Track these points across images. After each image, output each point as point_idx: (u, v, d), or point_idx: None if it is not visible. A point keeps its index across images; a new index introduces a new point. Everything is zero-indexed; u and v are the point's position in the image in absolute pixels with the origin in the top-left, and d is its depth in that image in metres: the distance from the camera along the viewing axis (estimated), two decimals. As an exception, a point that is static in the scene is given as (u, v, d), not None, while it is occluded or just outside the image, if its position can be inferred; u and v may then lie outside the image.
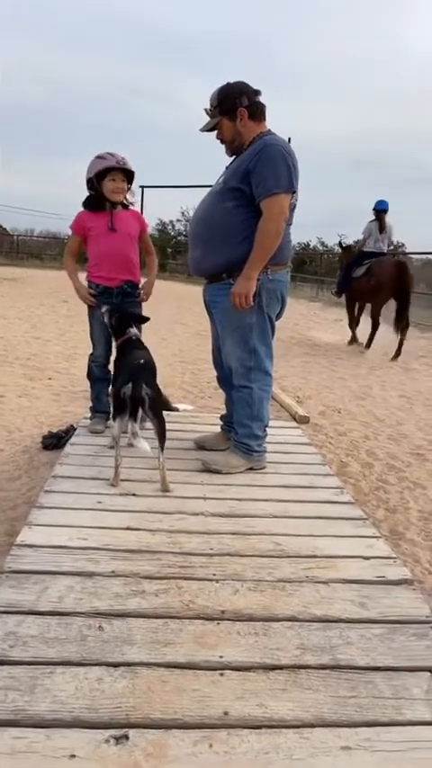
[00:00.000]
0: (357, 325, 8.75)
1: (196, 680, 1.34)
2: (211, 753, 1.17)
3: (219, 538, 1.97)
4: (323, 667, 1.40)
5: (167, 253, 37.69)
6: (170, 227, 40.71)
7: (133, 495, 2.29)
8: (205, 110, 2.57)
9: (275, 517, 2.18)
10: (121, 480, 2.38)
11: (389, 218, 8.26)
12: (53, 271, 25.56)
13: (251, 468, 2.67)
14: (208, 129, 2.59)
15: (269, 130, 2.55)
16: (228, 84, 2.54)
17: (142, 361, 2.50)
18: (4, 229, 42.55)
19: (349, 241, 9.38)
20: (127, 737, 1.20)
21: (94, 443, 2.92)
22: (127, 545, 1.87)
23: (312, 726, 1.25)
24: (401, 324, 7.80)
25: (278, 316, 2.67)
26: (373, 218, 8.29)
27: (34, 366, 6.06)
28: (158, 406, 2.45)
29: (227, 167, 2.62)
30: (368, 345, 8.16)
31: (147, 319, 2.95)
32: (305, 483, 2.55)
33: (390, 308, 7.96)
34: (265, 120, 2.57)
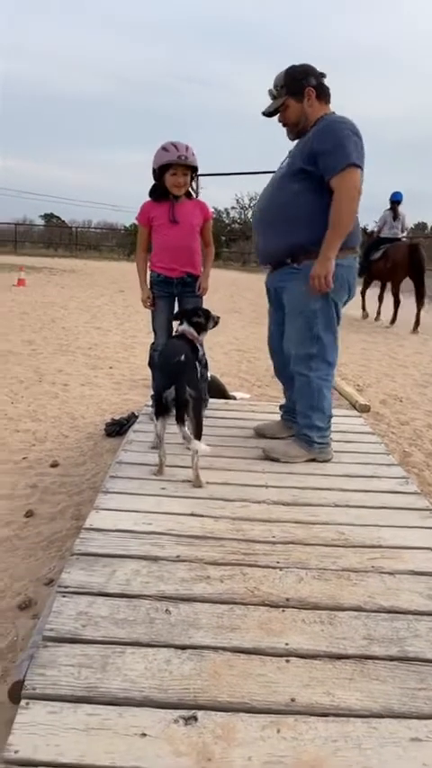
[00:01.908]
0: (381, 302, 9.99)
1: (262, 665, 1.35)
2: (279, 738, 1.18)
3: (281, 526, 1.97)
4: (391, 659, 1.38)
5: (222, 241, 37.64)
6: (224, 214, 40.62)
7: (196, 481, 2.31)
8: (270, 91, 2.51)
9: (338, 506, 2.16)
10: (183, 467, 2.41)
11: (402, 208, 9.66)
12: (111, 262, 25.98)
13: (313, 460, 2.61)
14: (272, 110, 2.53)
15: (333, 112, 2.50)
16: (295, 65, 2.51)
17: (181, 358, 2.38)
18: (63, 221, 43.59)
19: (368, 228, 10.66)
20: (196, 718, 1.22)
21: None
22: (191, 531, 1.90)
23: (381, 716, 1.24)
24: (419, 298, 9.02)
25: (345, 303, 2.59)
26: (389, 207, 9.71)
27: (95, 355, 6.21)
28: (199, 404, 2.39)
29: (290, 152, 2.57)
30: (393, 321, 9.33)
31: (200, 314, 2.84)
32: (368, 472, 2.51)
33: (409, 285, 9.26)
34: (329, 102, 2.52)
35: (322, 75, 2.51)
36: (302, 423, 2.60)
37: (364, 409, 4.33)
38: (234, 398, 4.14)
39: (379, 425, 4.15)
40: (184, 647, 1.40)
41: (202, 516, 2.00)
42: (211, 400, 3.73)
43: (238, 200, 40.02)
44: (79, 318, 8.74)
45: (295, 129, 2.53)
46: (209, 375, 4.68)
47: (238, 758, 1.13)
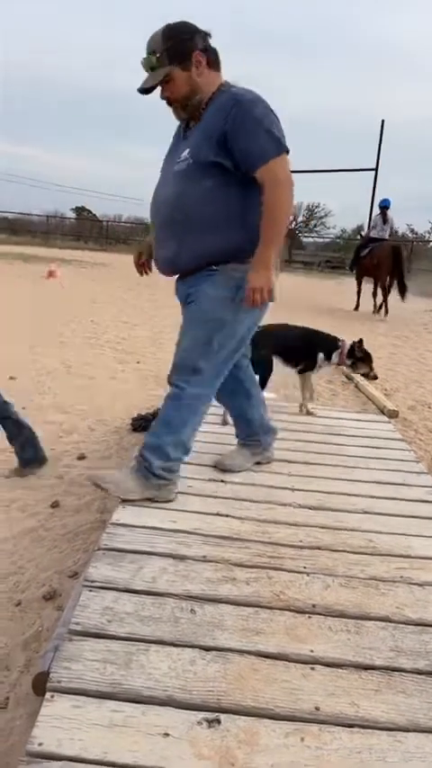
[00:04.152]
0: (375, 297, 10.84)
1: (287, 671, 1.34)
2: (302, 746, 1.17)
3: (308, 530, 1.95)
4: (419, 672, 1.36)
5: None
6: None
7: (222, 481, 2.30)
8: (144, 60, 1.93)
9: (366, 513, 2.13)
10: (210, 467, 2.41)
11: (390, 213, 11.02)
12: (140, 256, 25.95)
13: (150, 499, 2.07)
14: (152, 85, 1.94)
15: (227, 82, 2.00)
16: (174, 24, 1.94)
17: None
18: (94, 215, 43.93)
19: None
20: (219, 721, 1.21)
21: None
22: (217, 531, 1.89)
23: (407, 730, 1.22)
24: (402, 292, 10.43)
25: (256, 319, 2.15)
26: (379, 212, 11.19)
27: (123, 349, 6.24)
28: None
29: (184, 136, 2.06)
30: (377, 310, 10.59)
31: None
32: (398, 480, 2.48)
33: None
34: (221, 69, 2.00)
35: (207, 35, 1.96)
36: (150, 442, 2.08)
37: (393, 414, 4.27)
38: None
39: (407, 432, 4.08)
40: (208, 649, 1.39)
41: (227, 516, 2.00)
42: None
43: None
44: (107, 312, 8.80)
45: (186, 107, 1.99)
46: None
47: (262, 764, 1.13)
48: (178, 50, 1.90)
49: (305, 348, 3.35)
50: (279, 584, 1.63)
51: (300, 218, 39.75)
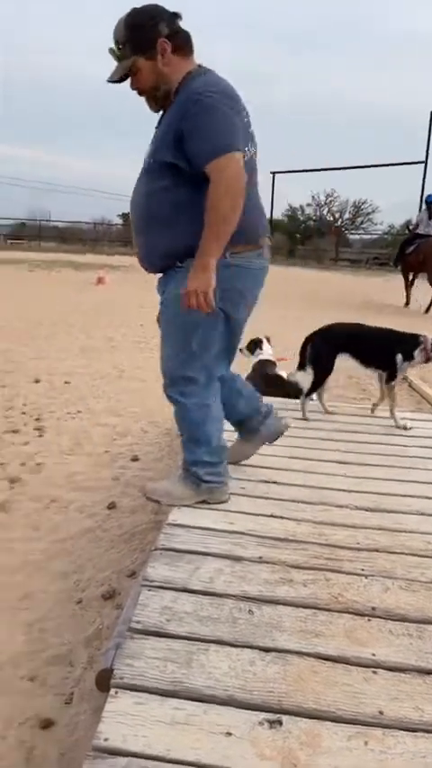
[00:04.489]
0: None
1: (348, 675, 1.33)
2: (366, 749, 1.16)
3: (365, 532, 1.93)
4: None
5: (296, 238, 37.28)
6: (299, 211, 40.22)
7: (274, 482, 2.30)
8: (110, 50, 1.86)
9: (424, 515, 2.09)
10: (263, 468, 2.41)
11: None
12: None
13: (204, 501, 2.08)
14: (119, 77, 1.88)
15: (199, 66, 1.88)
16: (136, 10, 1.84)
17: None
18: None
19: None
20: (280, 723, 1.21)
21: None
22: (273, 532, 1.89)
23: (473, 736, 1.19)
24: None
25: (243, 311, 2.02)
26: (425, 207, 11.12)
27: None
28: None
29: (156, 128, 1.97)
30: (427, 310, 10.36)
31: None
32: (455, 481, 2.41)
33: None
34: (192, 53, 1.89)
35: (175, 17, 1.85)
36: (188, 458, 2.10)
37: (448, 414, 4.15)
38: (311, 400, 4.09)
39: (463, 431, 3.97)
40: (267, 650, 1.39)
41: (282, 518, 1.99)
42: (288, 401, 3.70)
43: (313, 196, 39.58)
44: (155, 316, 8.90)
45: (156, 98, 1.90)
46: (284, 375, 4.65)
47: (324, 766, 1.12)
48: (141, 40, 1.82)
49: (381, 348, 3.16)
50: (337, 587, 1.62)
51: (346, 216, 39.23)
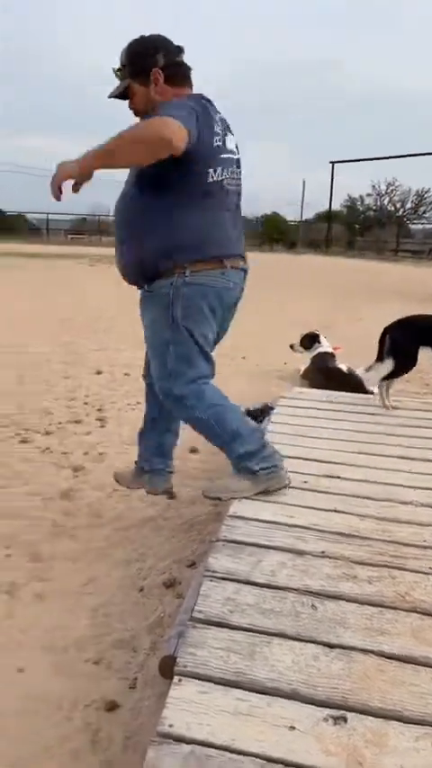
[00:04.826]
0: None
1: (416, 675, 1.30)
2: (434, 751, 1.12)
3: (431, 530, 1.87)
4: None
5: (355, 229, 36.55)
6: (359, 202, 39.40)
7: (338, 477, 2.27)
8: (113, 70, 2.01)
9: None
10: (325, 462, 2.38)
11: None
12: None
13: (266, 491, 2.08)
14: (116, 94, 2.02)
15: (193, 94, 1.99)
16: (141, 38, 1.99)
17: None
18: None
19: None
20: (345, 719, 1.20)
21: (295, 423, 2.95)
22: (335, 527, 1.86)
23: None
24: None
25: (210, 331, 2.04)
26: None
27: (229, 345, 6.29)
28: None
29: None
30: None
31: None
32: None
33: None
34: (189, 85, 2.02)
35: (178, 51, 1.99)
36: (231, 457, 2.12)
37: None
38: (372, 393, 4.01)
39: None
40: (331, 646, 1.38)
41: (345, 513, 1.96)
42: (350, 395, 3.65)
43: (374, 186, 38.68)
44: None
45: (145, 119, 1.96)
46: (344, 368, 4.58)
47: (390, 765, 1.10)
48: (138, 67, 1.96)
49: None
50: (404, 585, 1.58)
51: (408, 205, 38.12)
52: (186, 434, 3.57)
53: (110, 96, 2.04)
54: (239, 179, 2.04)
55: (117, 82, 2.02)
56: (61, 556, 2.20)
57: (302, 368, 5.03)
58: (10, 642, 1.72)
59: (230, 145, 1.98)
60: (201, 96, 1.96)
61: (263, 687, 1.27)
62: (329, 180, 31.78)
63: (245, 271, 2.09)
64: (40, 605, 1.91)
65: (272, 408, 3.71)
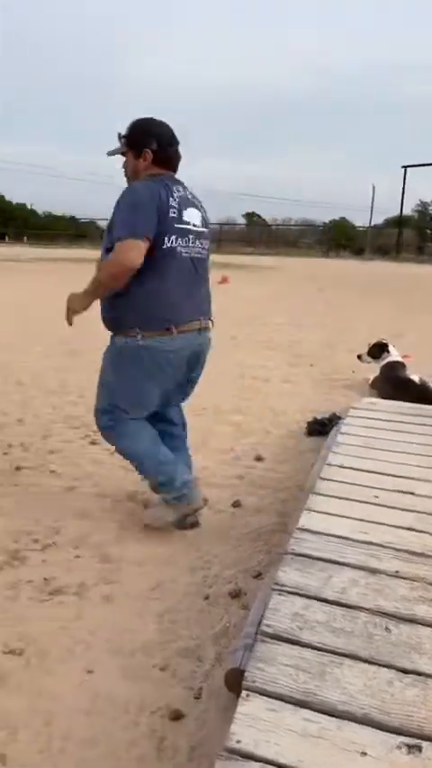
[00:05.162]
0: None
1: None
2: None
3: None
4: None
5: (427, 234, 35.47)
6: (431, 206, 38.25)
7: (411, 493, 2.19)
8: (118, 134, 2.39)
9: None
10: (398, 477, 2.31)
11: None
12: (309, 258, 26.02)
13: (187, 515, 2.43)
14: (113, 154, 2.42)
15: (167, 175, 2.33)
16: (146, 120, 2.37)
17: None
18: (263, 220, 44.72)
19: None
20: (420, 749, 1.15)
21: (366, 435, 2.88)
22: (410, 546, 1.80)
23: None
24: None
25: (154, 390, 2.36)
26: None
27: (295, 352, 6.25)
28: None
29: None
30: None
31: None
32: None
33: None
34: (172, 169, 2.37)
35: (170, 144, 2.34)
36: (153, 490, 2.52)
37: None
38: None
39: None
40: (406, 671, 1.32)
41: (421, 532, 1.89)
42: (423, 407, 3.53)
43: (448, 191, 37.39)
44: (279, 315, 8.89)
45: (129, 183, 2.37)
46: (416, 379, 4.44)
47: (469, 803, 1.04)
48: (134, 141, 2.33)
49: None
50: None
51: None
52: (252, 440, 3.56)
53: (108, 154, 2.45)
54: (202, 247, 2.37)
55: (117, 144, 2.40)
56: (129, 558, 2.23)
57: (371, 377, 4.91)
58: (79, 643, 1.75)
59: (189, 217, 2.30)
60: (168, 178, 2.32)
61: (333, 709, 1.23)
62: (401, 185, 31.05)
63: (201, 330, 2.40)
64: (108, 607, 1.93)
65: (340, 418, 3.64)
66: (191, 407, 4.15)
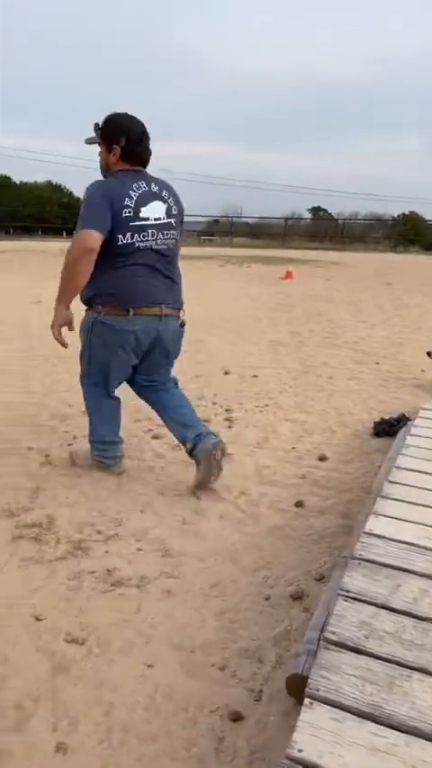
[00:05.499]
0: None
1: None
2: None
3: None
4: None
5: None
6: None
7: None
8: (95, 124, 2.57)
9: None
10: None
11: None
12: (376, 253, 25.42)
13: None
14: (90, 143, 2.61)
15: (127, 171, 2.53)
16: (119, 115, 2.54)
17: None
18: (329, 214, 43.97)
19: None
20: None
21: (437, 438, 2.76)
22: None
23: None
24: None
25: (117, 365, 2.64)
26: None
27: (361, 350, 6.10)
28: None
29: None
30: None
31: None
32: None
33: None
34: (140, 164, 2.56)
35: (140, 141, 2.52)
36: (90, 441, 2.93)
37: None
38: None
39: None
40: None
41: None
42: None
43: None
44: (344, 311, 8.71)
45: (101, 174, 2.61)
46: None
47: None
48: (106, 134, 2.54)
49: None
50: None
51: None
52: (316, 439, 3.49)
53: (86, 142, 2.62)
54: (165, 238, 2.54)
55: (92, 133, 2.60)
56: (190, 554, 2.22)
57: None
58: (140, 636, 1.76)
59: (148, 212, 2.49)
60: (132, 174, 2.52)
61: (402, 724, 1.18)
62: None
63: (161, 317, 2.57)
64: (168, 602, 1.93)
65: (409, 419, 3.52)
66: (252, 403, 4.13)
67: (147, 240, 2.49)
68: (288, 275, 13.53)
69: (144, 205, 2.47)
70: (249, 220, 40.49)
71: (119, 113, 2.55)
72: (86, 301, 2.60)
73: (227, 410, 4.02)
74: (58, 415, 3.80)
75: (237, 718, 1.48)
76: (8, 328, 6.62)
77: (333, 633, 1.41)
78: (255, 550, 2.27)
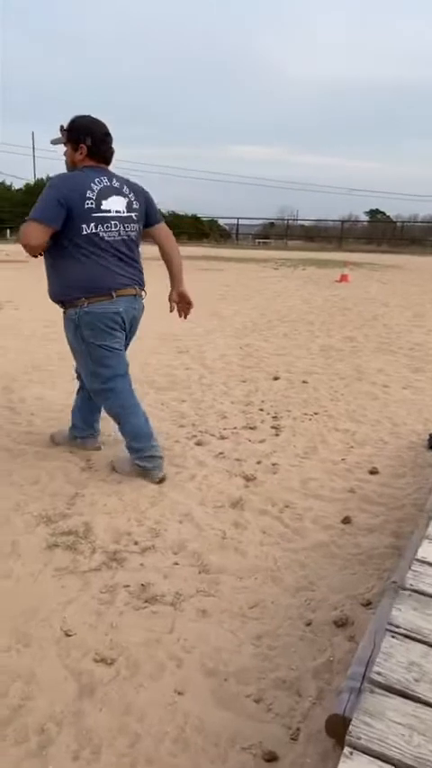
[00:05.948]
0: None
1: None
2: None
3: None
4: None
5: None
6: None
7: None
8: (60, 126, 2.67)
9: None
10: None
11: None
12: (436, 256, 24.60)
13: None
14: (56, 143, 2.72)
15: (92, 168, 2.65)
16: (83, 117, 2.66)
17: None
18: (388, 216, 43.01)
19: None
20: None
21: None
22: None
23: None
24: None
25: (111, 342, 2.70)
26: None
27: (418, 357, 5.84)
28: None
29: None
30: None
31: None
32: None
33: None
34: (104, 162, 2.69)
35: (104, 140, 2.65)
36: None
37: None
38: None
39: None
40: None
41: None
42: None
43: None
44: (401, 316, 8.40)
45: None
46: None
47: None
48: (72, 135, 2.66)
49: None
50: None
51: None
52: (367, 451, 3.32)
53: (52, 143, 2.74)
54: (128, 230, 2.70)
55: (59, 134, 2.71)
56: (228, 571, 2.12)
57: None
58: (171, 659, 1.67)
59: (109, 205, 2.62)
60: (96, 170, 2.65)
61: (453, 786, 1.04)
62: None
63: (137, 296, 2.76)
64: (203, 622, 1.83)
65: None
66: (301, 411, 3.99)
67: (111, 231, 2.64)
68: (343, 278, 13.24)
69: (105, 198, 2.61)
70: (305, 223, 40.05)
71: (83, 116, 2.69)
72: (64, 300, 2.69)
73: (274, 417, 3.89)
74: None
75: (271, 758, 1.37)
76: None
77: (379, 674, 1.28)
78: (297, 568, 2.14)
